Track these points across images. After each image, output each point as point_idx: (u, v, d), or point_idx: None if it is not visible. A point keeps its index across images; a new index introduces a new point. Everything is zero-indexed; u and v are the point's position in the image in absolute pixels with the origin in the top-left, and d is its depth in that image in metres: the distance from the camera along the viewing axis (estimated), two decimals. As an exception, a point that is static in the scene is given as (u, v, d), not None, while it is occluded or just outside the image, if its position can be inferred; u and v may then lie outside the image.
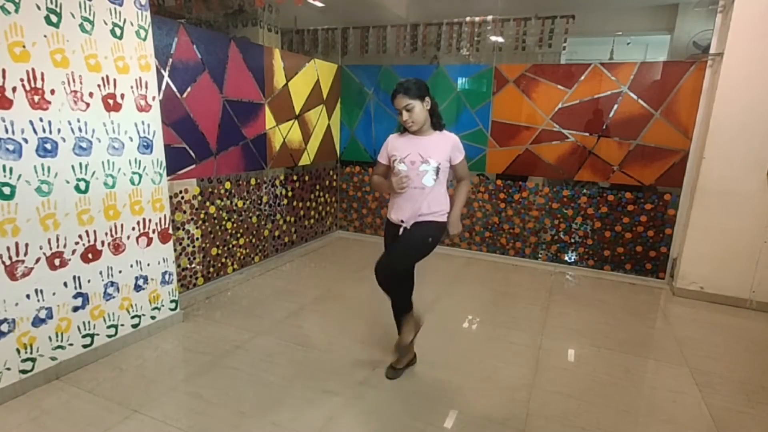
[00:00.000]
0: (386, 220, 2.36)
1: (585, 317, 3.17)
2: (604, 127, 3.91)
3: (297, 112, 4.22)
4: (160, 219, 2.72)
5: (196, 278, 3.40)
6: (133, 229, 2.57)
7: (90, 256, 2.35)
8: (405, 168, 2.20)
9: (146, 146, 2.58)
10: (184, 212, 3.23)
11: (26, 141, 2.01)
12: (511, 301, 3.47)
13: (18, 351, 2.10)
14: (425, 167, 2.17)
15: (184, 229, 3.24)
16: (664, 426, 2.05)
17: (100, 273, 2.42)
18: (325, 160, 4.78)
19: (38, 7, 2.00)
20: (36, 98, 2.03)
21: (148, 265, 2.68)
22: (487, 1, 4.55)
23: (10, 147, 1.96)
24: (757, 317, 3.28)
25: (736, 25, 3.15)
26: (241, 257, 3.83)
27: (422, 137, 2.23)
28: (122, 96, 2.41)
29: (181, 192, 3.18)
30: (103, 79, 2.30)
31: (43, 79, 2.05)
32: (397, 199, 2.26)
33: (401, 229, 2.23)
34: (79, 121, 2.21)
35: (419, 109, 2.14)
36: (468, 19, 4.60)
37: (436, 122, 2.24)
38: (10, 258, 2.02)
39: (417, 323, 2.32)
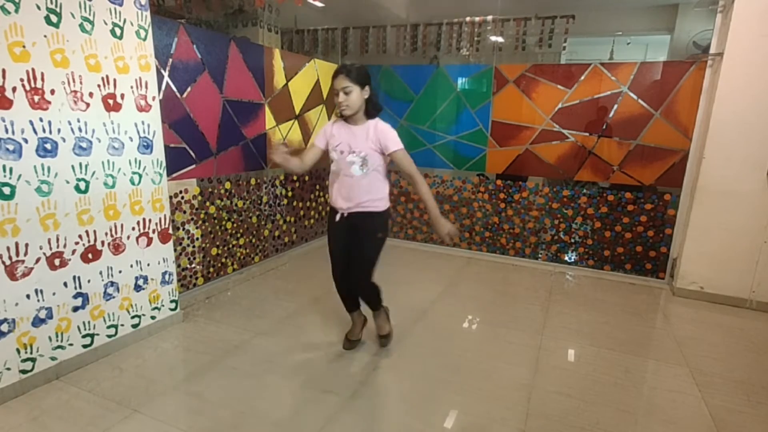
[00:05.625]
0: (330, 207, 2.45)
1: (585, 317, 3.17)
2: (604, 127, 3.91)
3: (297, 112, 4.22)
4: (160, 219, 2.72)
5: (196, 278, 3.40)
6: (133, 229, 2.57)
7: (90, 256, 2.35)
8: (336, 157, 2.31)
9: (146, 146, 2.58)
10: (184, 212, 3.23)
11: (26, 141, 2.01)
12: (511, 301, 3.47)
13: (18, 351, 2.10)
14: (352, 157, 2.26)
15: (184, 229, 3.24)
16: (664, 426, 2.05)
17: (100, 273, 2.42)
18: (325, 160, 4.77)
19: (38, 7, 2.00)
20: (36, 98, 2.03)
21: (148, 265, 2.68)
22: (487, 1, 4.55)
23: (10, 147, 1.96)
24: (757, 317, 3.28)
25: (736, 25, 3.15)
26: (241, 257, 3.83)
27: (355, 127, 2.28)
28: (122, 96, 2.41)
29: (181, 192, 3.18)
30: (103, 79, 2.30)
31: (43, 79, 2.05)
32: (334, 187, 2.37)
33: (338, 216, 2.35)
34: (79, 121, 2.21)
35: (356, 95, 2.17)
36: (468, 19, 4.60)
37: (371, 111, 2.26)
38: (10, 258, 2.02)
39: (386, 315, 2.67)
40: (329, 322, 2.99)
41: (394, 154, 2.24)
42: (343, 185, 2.32)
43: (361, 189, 2.28)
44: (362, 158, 2.25)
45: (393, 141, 2.24)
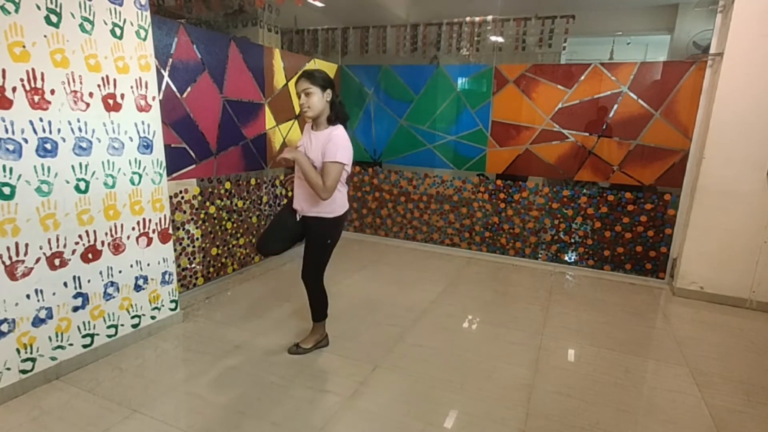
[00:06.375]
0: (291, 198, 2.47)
1: (585, 317, 3.17)
2: (604, 127, 3.91)
3: (297, 112, 4.22)
4: (160, 219, 2.72)
5: (196, 278, 3.40)
6: (133, 229, 2.57)
7: (90, 256, 2.35)
8: None
9: (146, 146, 2.58)
10: (184, 212, 3.23)
11: (26, 141, 2.01)
12: (511, 301, 3.47)
13: (18, 351, 2.10)
14: None
15: (184, 229, 3.24)
16: (664, 426, 2.05)
17: (100, 273, 2.42)
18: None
19: (38, 7, 2.00)
20: (36, 98, 2.03)
21: (148, 265, 2.68)
22: (487, 1, 4.55)
23: (10, 147, 1.96)
24: (757, 317, 3.28)
25: (736, 25, 3.15)
26: (241, 257, 3.83)
27: (316, 132, 2.30)
28: (122, 96, 2.41)
29: (181, 192, 3.18)
30: (103, 79, 2.30)
31: (43, 79, 2.05)
32: (295, 187, 2.40)
33: (297, 215, 2.37)
34: (79, 121, 2.21)
35: (318, 98, 2.20)
36: (468, 19, 4.60)
37: (332, 117, 2.28)
38: (10, 258, 2.01)
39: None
40: (329, 322, 2.98)
41: (324, 163, 2.19)
42: (298, 187, 2.35)
43: (309, 195, 2.29)
44: (313, 165, 2.26)
45: (331, 152, 2.18)
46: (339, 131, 2.26)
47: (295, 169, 2.37)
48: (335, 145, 2.19)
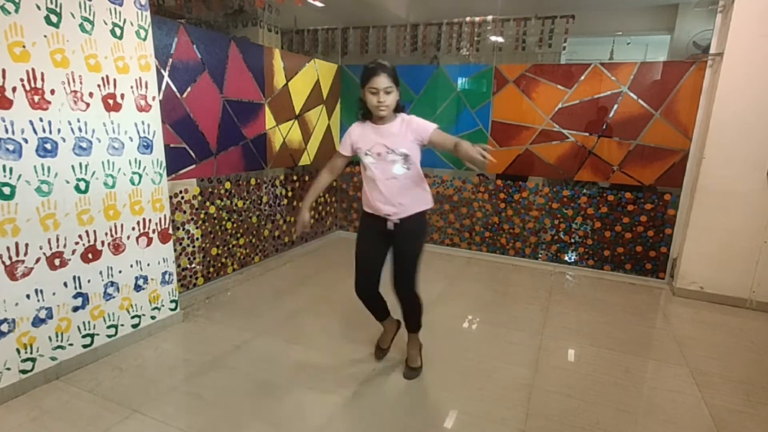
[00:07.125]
0: (363, 213, 2.27)
1: (585, 317, 3.17)
2: (604, 127, 3.91)
3: (297, 112, 4.22)
4: (160, 219, 2.72)
5: (196, 278, 3.40)
6: (133, 229, 2.57)
7: (90, 256, 2.35)
8: (373, 161, 2.15)
9: (146, 146, 2.58)
10: (184, 212, 3.23)
11: (26, 141, 2.01)
12: (511, 301, 3.47)
13: (18, 351, 2.10)
14: (393, 157, 2.11)
15: (184, 229, 3.24)
16: (664, 426, 2.05)
17: (100, 273, 2.42)
18: (325, 160, 4.73)
19: (38, 7, 2.00)
20: (36, 98, 2.03)
21: (148, 265, 2.68)
22: (487, 1, 4.55)
23: (10, 147, 1.96)
24: (757, 317, 3.28)
25: (736, 25, 3.15)
26: (241, 257, 3.83)
27: (382, 126, 2.15)
28: (122, 96, 2.41)
29: (181, 192, 3.18)
30: (103, 79, 2.30)
31: (43, 79, 2.05)
32: (374, 192, 2.16)
33: (389, 223, 2.15)
34: (79, 121, 2.21)
35: (395, 96, 2.11)
36: (468, 19, 4.60)
37: (399, 108, 2.20)
38: (10, 258, 2.02)
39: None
40: (329, 322, 2.99)
41: (433, 136, 2.11)
42: (389, 189, 2.13)
43: (408, 187, 2.14)
44: (403, 155, 2.10)
45: (428, 124, 2.14)
46: (408, 114, 2.20)
47: (366, 169, 2.18)
48: (424, 121, 2.16)
